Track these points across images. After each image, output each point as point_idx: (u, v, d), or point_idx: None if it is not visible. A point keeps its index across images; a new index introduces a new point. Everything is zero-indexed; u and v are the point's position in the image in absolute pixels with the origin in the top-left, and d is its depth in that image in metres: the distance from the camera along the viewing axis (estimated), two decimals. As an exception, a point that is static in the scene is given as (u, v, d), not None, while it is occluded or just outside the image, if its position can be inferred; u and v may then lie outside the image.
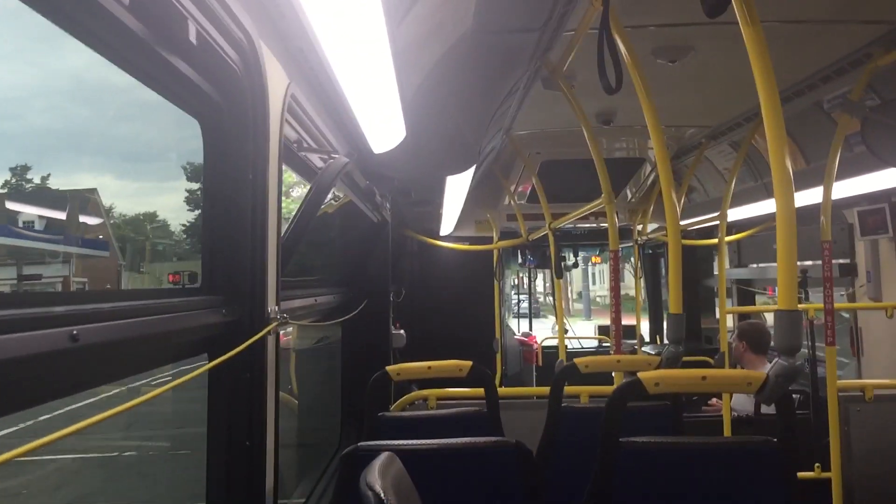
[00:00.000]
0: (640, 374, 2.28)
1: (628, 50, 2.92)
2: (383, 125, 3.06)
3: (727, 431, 4.79)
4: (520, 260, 10.31)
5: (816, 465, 4.33)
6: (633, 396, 2.35)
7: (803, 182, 4.85)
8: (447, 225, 7.54)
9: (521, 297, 18.68)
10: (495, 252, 8.05)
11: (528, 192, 7.54)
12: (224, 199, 1.82)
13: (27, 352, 0.94)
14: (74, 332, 1.03)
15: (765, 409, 5.36)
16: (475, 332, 8.15)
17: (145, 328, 1.30)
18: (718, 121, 5.41)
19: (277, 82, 1.95)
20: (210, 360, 1.68)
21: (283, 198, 2.05)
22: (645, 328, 9.53)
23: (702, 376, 2.29)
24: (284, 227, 2.23)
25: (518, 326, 13.49)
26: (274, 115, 1.91)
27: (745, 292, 7.94)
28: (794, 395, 5.07)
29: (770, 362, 5.67)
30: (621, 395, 2.36)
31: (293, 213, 2.47)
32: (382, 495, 1.54)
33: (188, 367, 1.57)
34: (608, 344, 9.98)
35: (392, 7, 1.91)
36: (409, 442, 2.54)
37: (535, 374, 9.20)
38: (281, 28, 1.96)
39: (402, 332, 5.67)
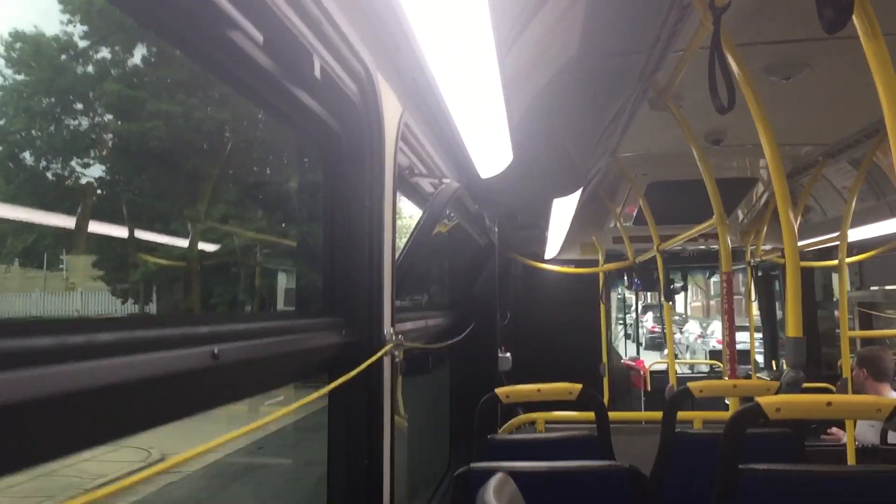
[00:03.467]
0: (759, 399, 2.22)
1: (740, 68, 2.87)
2: (491, 150, 3.11)
3: (851, 461, 4.56)
4: (626, 283, 10.15)
5: None
6: (752, 422, 2.29)
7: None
8: (552, 247, 7.52)
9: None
10: (601, 275, 7.97)
11: (635, 214, 7.44)
12: (342, 224, 1.89)
13: (176, 368, 1.02)
14: (216, 350, 1.10)
15: (892, 438, 5.08)
16: (581, 356, 8.06)
17: (275, 347, 1.37)
18: (836, 138, 5.21)
19: (392, 111, 2.02)
20: (330, 380, 1.74)
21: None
22: (758, 354, 9.19)
23: (827, 402, 2.20)
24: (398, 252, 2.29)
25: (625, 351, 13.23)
26: (389, 143, 1.98)
27: (866, 316, 7.56)
28: None
29: (894, 390, 5.35)
30: (741, 420, 2.30)
31: (406, 238, 2.54)
32: None
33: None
34: (720, 369, 9.68)
35: (502, 35, 1.96)
36: (522, 464, 2.55)
37: (643, 398, 9.01)
38: (396, 59, 2.04)
39: (507, 355, 5.67)
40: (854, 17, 2.02)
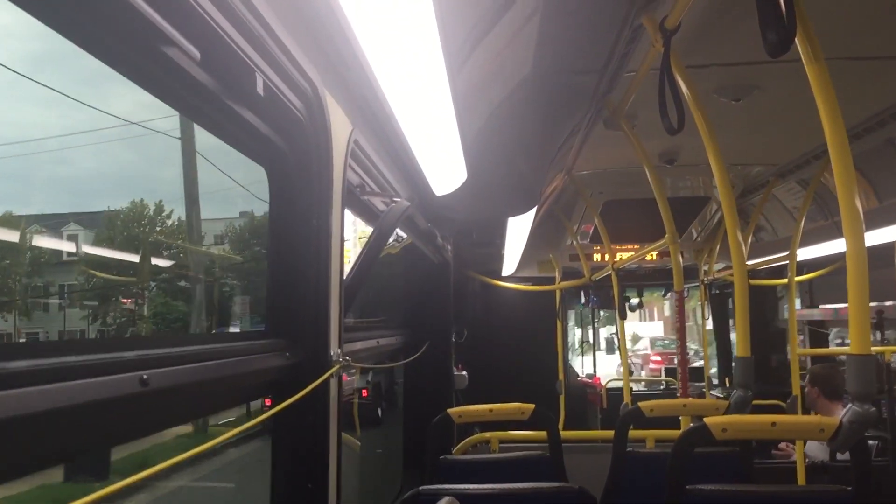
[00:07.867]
0: (706, 420, 2.22)
1: (690, 90, 2.90)
2: (445, 168, 3.10)
3: (801, 479, 4.61)
4: (583, 300, 10.20)
5: None
6: (699, 442, 2.30)
7: (877, 221, 4.70)
8: (509, 265, 7.53)
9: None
10: (557, 292, 8.00)
11: (591, 232, 7.49)
12: (288, 244, 1.86)
13: (100, 396, 0.98)
14: (144, 376, 1.06)
15: (841, 455, 5.15)
16: (538, 373, 8.08)
17: (212, 372, 1.33)
18: (786, 159, 5.30)
19: (341, 129, 1.99)
20: (274, 403, 1.70)
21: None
22: (712, 370, 9.29)
23: (771, 422, 2.22)
24: (347, 270, 2.26)
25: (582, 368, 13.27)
26: (337, 161, 1.95)
27: (817, 334, 7.69)
28: (871, 442, 4.82)
29: (846, 408, 5.44)
30: (686, 441, 2.30)
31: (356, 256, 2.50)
32: None
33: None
34: (675, 386, 9.76)
35: (453, 52, 1.95)
36: (471, 486, 2.52)
37: (599, 415, 9.04)
38: (344, 76, 2.01)
39: (464, 373, 5.66)
40: (797, 40, 2.05)
